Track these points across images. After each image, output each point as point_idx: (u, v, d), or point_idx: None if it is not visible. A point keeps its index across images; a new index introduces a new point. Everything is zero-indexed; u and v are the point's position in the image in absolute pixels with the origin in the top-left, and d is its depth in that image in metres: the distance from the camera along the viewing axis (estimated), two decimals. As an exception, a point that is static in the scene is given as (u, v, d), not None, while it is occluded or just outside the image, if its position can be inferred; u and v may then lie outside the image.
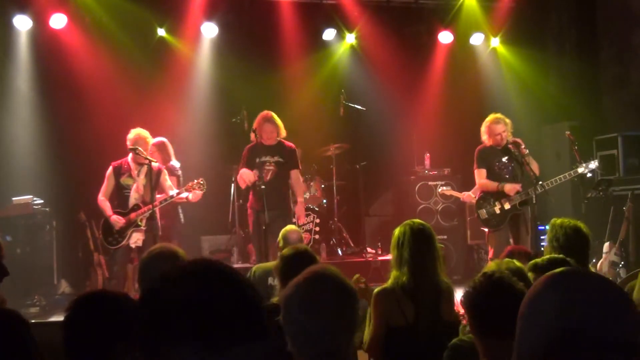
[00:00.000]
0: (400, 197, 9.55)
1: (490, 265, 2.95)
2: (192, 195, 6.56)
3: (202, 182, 6.45)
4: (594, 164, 6.41)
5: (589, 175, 6.56)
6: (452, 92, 9.41)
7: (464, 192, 7.36)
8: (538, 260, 3.20)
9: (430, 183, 8.90)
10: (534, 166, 6.37)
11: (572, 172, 6.46)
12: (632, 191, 7.23)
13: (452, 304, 3.45)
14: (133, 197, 6.40)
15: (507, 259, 3.12)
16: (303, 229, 8.00)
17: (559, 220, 3.97)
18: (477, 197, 6.74)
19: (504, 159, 6.54)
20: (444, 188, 8.24)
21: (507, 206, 6.44)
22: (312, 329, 1.86)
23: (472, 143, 8.56)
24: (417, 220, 3.56)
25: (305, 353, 1.88)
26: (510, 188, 6.42)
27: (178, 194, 6.47)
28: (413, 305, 3.32)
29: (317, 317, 1.88)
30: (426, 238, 3.44)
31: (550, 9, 9.67)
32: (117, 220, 6.33)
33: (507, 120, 6.55)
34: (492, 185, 6.54)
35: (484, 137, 6.61)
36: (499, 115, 6.59)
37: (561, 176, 6.45)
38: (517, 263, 2.99)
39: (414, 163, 9.13)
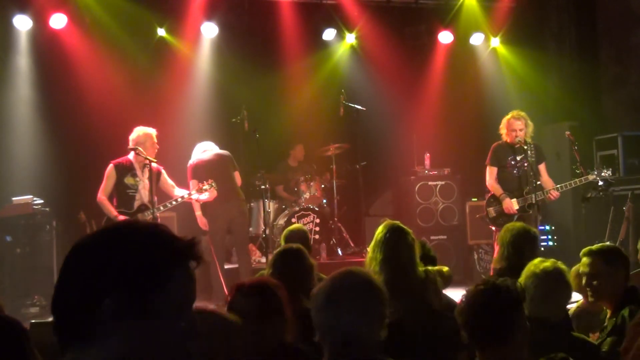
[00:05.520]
0: (400, 197, 9.55)
1: (526, 268, 3.05)
2: (207, 194, 6.54)
3: (212, 183, 6.45)
4: (606, 173, 6.43)
5: (600, 183, 6.57)
6: (452, 92, 9.41)
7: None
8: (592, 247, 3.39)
9: (430, 183, 8.89)
10: (543, 174, 6.53)
11: (582, 178, 6.48)
12: (632, 191, 7.23)
13: (438, 292, 3.55)
14: (142, 197, 6.35)
15: (551, 260, 3.12)
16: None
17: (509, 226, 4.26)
18: (487, 196, 6.82)
19: (518, 158, 6.57)
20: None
21: (515, 206, 6.48)
22: (333, 319, 2.08)
23: (472, 143, 8.61)
24: (390, 221, 3.71)
25: (328, 340, 2.11)
26: (507, 206, 6.50)
27: (189, 195, 6.46)
28: (402, 300, 3.34)
29: (337, 310, 2.08)
30: (401, 235, 3.59)
31: (550, 9, 9.67)
32: None
33: (529, 122, 6.58)
34: (497, 191, 6.63)
35: (503, 131, 6.66)
36: (522, 113, 6.63)
37: (572, 181, 6.51)
38: (558, 264, 3.02)
39: (414, 163, 9.13)
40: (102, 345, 1.20)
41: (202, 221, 6.89)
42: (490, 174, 6.71)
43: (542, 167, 6.65)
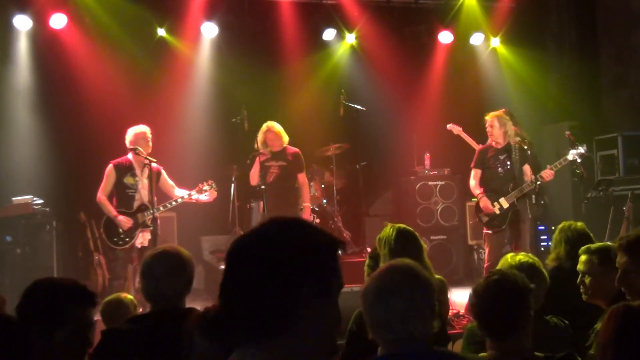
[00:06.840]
0: (400, 197, 9.54)
1: (501, 262, 3.16)
2: (207, 195, 6.53)
3: (212, 184, 6.45)
4: (582, 148, 6.43)
5: (578, 160, 6.54)
6: (452, 92, 9.41)
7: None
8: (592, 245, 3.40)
9: (430, 183, 8.90)
10: (527, 175, 6.53)
11: (562, 160, 6.48)
12: (632, 191, 7.24)
13: (445, 296, 3.67)
14: (142, 197, 6.34)
15: (522, 254, 3.17)
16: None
17: (567, 224, 4.17)
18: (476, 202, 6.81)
19: (501, 157, 6.57)
20: (456, 126, 7.35)
21: (505, 204, 6.47)
22: (383, 316, 2.05)
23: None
24: (399, 224, 3.75)
25: (382, 339, 2.09)
26: (484, 205, 6.53)
27: (190, 195, 6.46)
28: None
29: (388, 306, 2.06)
30: (412, 239, 3.65)
31: (550, 9, 9.68)
32: (126, 221, 6.22)
33: (504, 121, 6.56)
34: (475, 192, 6.68)
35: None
36: (495, 112, 6.66)
37: (553, 165, 6.47)
38: (529, 257, 3.08)
39: (414, 163, 9.13)
40: (293, 330, 1.31)
41: None
42: (474, 177, 6.73)
43: (526, 168, 6.61)
